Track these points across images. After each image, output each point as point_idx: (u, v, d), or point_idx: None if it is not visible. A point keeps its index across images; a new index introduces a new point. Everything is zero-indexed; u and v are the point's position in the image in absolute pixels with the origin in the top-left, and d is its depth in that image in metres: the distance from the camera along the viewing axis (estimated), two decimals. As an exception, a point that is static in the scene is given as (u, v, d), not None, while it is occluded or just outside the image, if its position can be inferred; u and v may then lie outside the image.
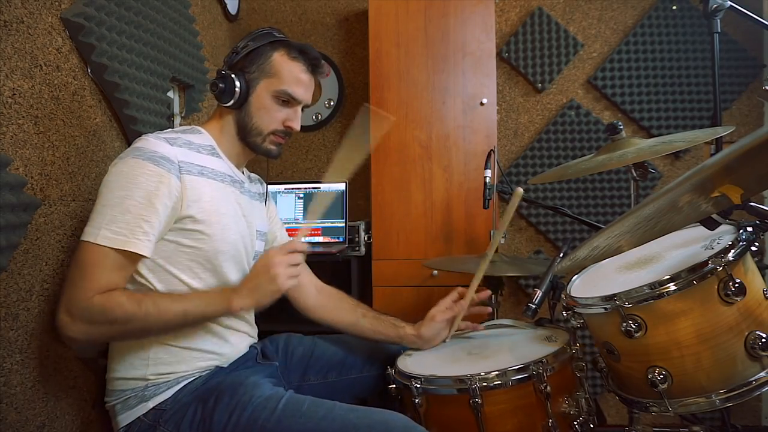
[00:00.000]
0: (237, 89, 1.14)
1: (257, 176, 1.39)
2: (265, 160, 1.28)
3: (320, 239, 2.18)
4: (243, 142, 1.21)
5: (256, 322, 1.33)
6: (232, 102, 1.15)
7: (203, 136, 1.18)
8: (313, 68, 1.22)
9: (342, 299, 1.41)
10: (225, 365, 1.17)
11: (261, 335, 1.35)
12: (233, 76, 1.14)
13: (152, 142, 1.06)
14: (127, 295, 1.00)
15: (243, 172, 1.29)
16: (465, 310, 1.32)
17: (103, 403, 1.13)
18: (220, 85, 1.14)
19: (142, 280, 1.07)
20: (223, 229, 1.13)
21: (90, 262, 0.98)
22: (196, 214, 1.08)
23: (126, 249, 0.99)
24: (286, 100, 1.18)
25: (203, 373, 1.12)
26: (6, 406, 1.03)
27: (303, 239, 1.11)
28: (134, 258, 1.02)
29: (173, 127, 1.74)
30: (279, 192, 2.25)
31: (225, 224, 1.14)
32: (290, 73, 1.17)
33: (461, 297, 1.33)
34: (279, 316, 1.77)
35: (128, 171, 1.02)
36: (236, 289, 1.06)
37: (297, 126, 1.21)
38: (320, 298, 1.39)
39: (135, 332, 1.03)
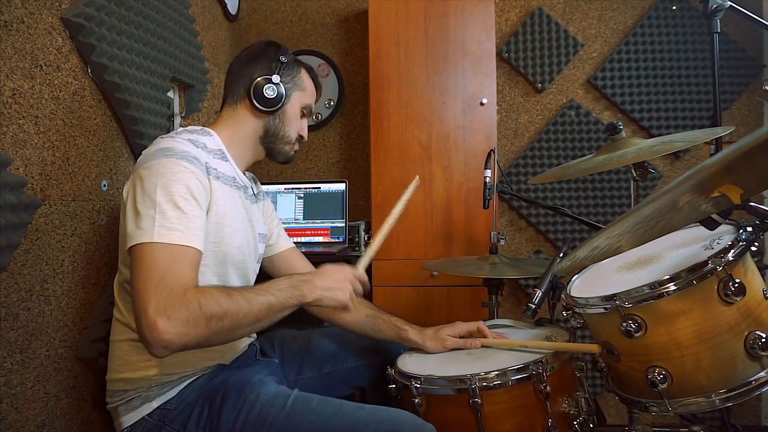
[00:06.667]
0: (282, 97, 1.19)
1: (251, 174, 1.39)
2: (266, 160, 1.29)
3: (321, 239, 2.18)
4: (266, 147, 1.25)
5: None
6: (270, 108, 1.19)
7: (214, 139, 1.17)
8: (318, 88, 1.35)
9: None
10: (227, 363, 1.17)
11: (259, 334, 1.35)
12: (281, 84, 1.19)
13: (180, 142, 1.05)
14: (215, 289, 0.95)
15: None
16: (476, 347, 1.26)
17: (103, 403, 1.13)
18: (270, 91, 1.18)
19: None
20: (232, 234, 1.13)
21: (163, 261, 0.92)
22: (213, 216, 1.08)
23: (184, 244, 0.95)
24: (306, 113, 1.29)
25: (206, 372, 1.13)
26: (6, 406, 1.03)
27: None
28: (196, 254, 0.98)
29: (173, 128, 1.75)
30: (279, 192, 2.25)
31: (235, 228, 1.14)
32: (312, 90, 1.30)
33: (479, 332, 1.28)
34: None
35: (165, 171, 1.00)
36: (306, 281, 1.04)
37: (306, 135, 1.32)
38: None
39: (228, 329, 0.94)
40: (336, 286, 1.06)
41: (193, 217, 0.99)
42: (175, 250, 0.94)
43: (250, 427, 1.00)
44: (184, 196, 0.99)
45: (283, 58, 1.21)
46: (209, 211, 1.07)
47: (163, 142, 1.06)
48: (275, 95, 1.18)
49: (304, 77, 1.27)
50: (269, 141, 1.24)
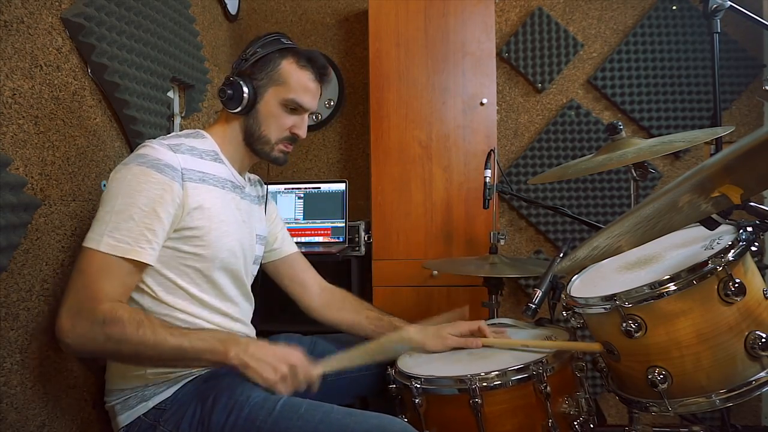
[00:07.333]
0: (245, 96, 1.15)
1: (257, 177, 1.39)
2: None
3: (321, 239, 2.18)
4: (249, 148, 1.21)
5: (254, 322, 1.32)
6: (239, 108, 1.15)
7: (206, 141, 1.18)
8: (321, 76, 1.23)
9: (345, 299, 1.41)
10: None
11: (260, 335, 1.35)
12: (241, 82, 1.15)
13: (156, 149, 1.05)
14: (129, 314, 0.95)
15: (244, 176, 1.29)
16: (478, 347, 1.25)
17: (102, 403, 1.14)
18: (228, 91, 1.14)
19: (142, 285, 1.07)
20: (221, 236, 1.13)
21: (94, 270, 0.96)
22: (196, 221, 1.08)
23: (129, 257, 0.98)
24: (294, 108, 1.20)
25: (202, 372, 1.12)
26: (6, 406, 1.03)
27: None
28: (139, 266, 1.01)
29: (173, 128, 1.75)
30: (279, 192, 2.25)
31: (224, 231, 1.14)
32: (298, 82, 1.19)
33: (480, 331, 1.26)
34: (278, 317, 1.77)
35: (131, 178, 1.01)
36: (239, 342, 1.00)
37: (303, 133, 1.23)
38: (324, 297, 1.40)
39: (126, 355, 0.98)
40: (270, 362, 0.98)
41: (145, 230, 1.00)
42: (111, 261, 0.97)
43: (238, 430, 0.99)
44: (142, 207, 1.00)
45: (244, 54, 1.17)
46: (188, 216, 1.07)
47: (142, 148, 1.07)
48: (236, 95, 1.14)
49: (286, 70, 1.18)
50: (249, 142, 1.20)
